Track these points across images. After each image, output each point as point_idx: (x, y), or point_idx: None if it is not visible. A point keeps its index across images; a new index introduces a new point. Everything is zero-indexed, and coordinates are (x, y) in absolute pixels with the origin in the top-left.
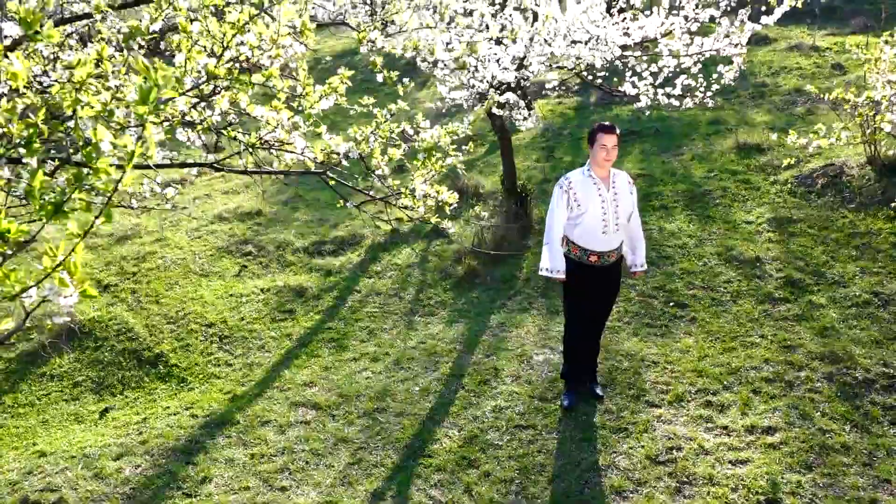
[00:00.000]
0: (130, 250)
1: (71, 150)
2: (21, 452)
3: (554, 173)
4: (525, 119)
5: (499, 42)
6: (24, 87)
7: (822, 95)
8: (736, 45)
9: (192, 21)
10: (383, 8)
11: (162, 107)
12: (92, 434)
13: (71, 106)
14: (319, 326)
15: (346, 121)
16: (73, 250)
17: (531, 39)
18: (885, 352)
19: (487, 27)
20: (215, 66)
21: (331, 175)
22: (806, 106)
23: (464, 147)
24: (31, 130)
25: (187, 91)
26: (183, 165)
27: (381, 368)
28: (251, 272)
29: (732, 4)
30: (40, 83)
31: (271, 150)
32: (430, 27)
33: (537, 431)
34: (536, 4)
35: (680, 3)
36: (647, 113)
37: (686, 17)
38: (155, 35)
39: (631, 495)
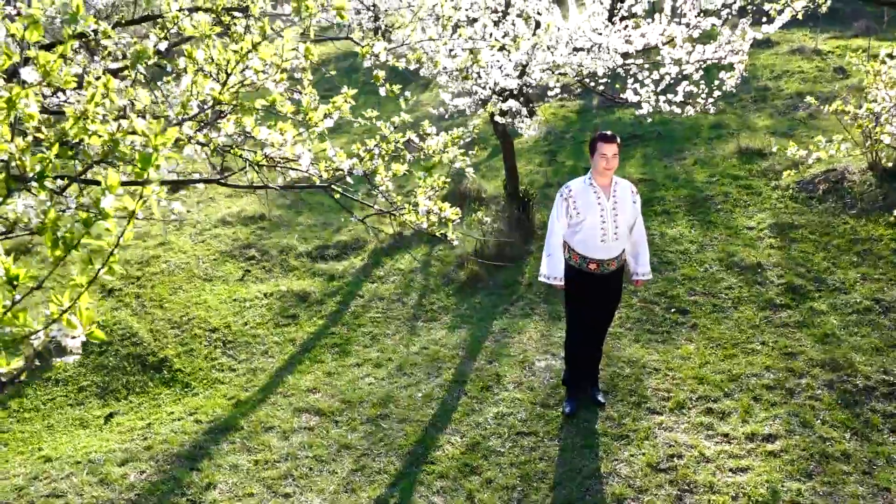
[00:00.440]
0: (134, 254)
1: (81, 167)
2: (27, 457)
3: (556, 178)
4: (528, 127)
5: (501, 48)
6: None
7: (822, 107)
8: (737, 53)
9: (196, 46)
10: (386, 14)
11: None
12: (97, 439)
13: (78, 135)
14: (323, 331)
15: (350, 123)
16: (78, 297)
17: (533, 47)
18: (886, 359)
19: (490, 34)
20: (220, 92)
21: (335, 188)
22: (808, 111)
23: (470, 152)
24: (45, 164)
25: (193, 116)
26: (189, 182)
27: (384, 374)
28: (255, 276)
29: (733, 13)
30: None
31: (277, 167)
32: (433, 39)
33: (539, 438)
34: (538, 13)
35: (681, 10)
36: (649, 120)
37: (688, 25)
38: (160, 54)
39: (632, 503)
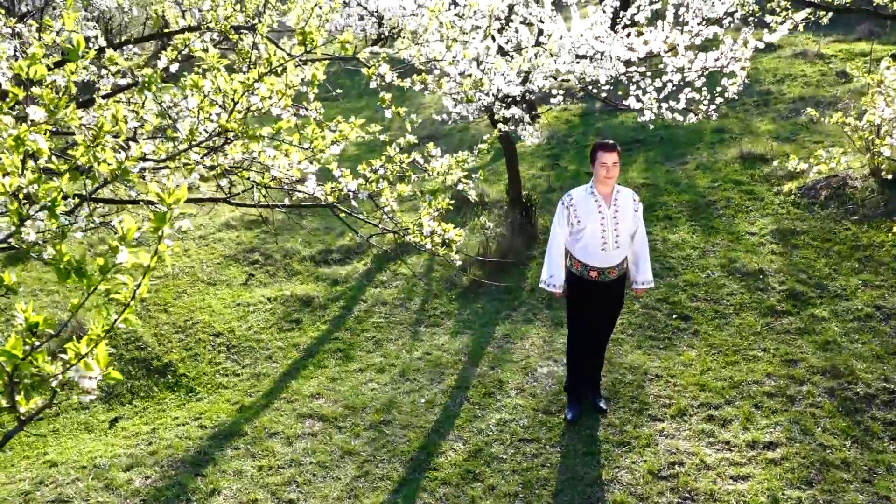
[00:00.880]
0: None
1: (90, 183)
2: (32, 462)
3: (559, 182)
4: (530, 135)
5: (504, 53)
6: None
7: (822, 118)
8: (739, 61)
9: (203, 74)
10: (390, 21)
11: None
12: (102, 444)
13: (88, 163)
14: (326, 337)
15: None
16: (96, 345)
17: (535, 55)
18: (887, 367)
19: (494, 39)
20: (227, 120)
21: (341, 208)
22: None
23: (474, 175)
24: (56, 194)
25: (200, 143)
26: (196, 200)
27: (387, 380)
28: (258, 281)
29: (735, 21)
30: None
31: (283, 188)
32: (437, 60)
33: (541, 445)
34: (541, 21)
35: (683, 18)
36: (651, 126)
37: (690, 32)
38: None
39: None
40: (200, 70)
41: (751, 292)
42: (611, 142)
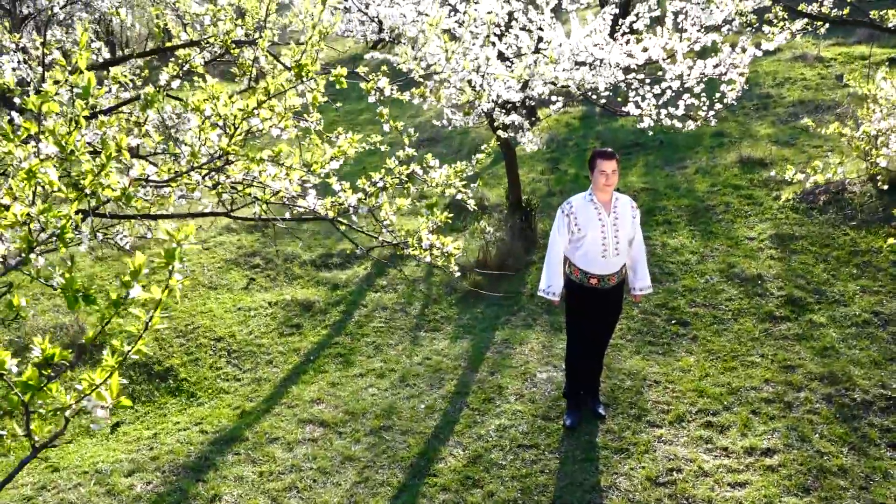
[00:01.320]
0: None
1: (92, 203)
2: (34, 466)
3: (559, 186)
4: (529, 141)
5: (504, 59)
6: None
7: (819, 129)
8: (737, 67)
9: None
10: (391, 29)
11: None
12: (104, 449)
13: (94, 189)
14: (326, 341)
15: (354, 127)
16: (109, 376)
17: (535, 62)
18: (884, 373)
19: (494, 45)
20: (228, 144)
21: (341, 221)
22: (809, 119)
23: (473, 186)
24: (64, 222)
25: (202, 165)
26: (197, 215)
27: (387, 385)
28: (259, 285)
29: (734, 28)
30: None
31: (284, 202)
32: (437, 73)
33: (540, 451)
34: (540, 28)
35: (682, 25)
36: (650, 133)
37: (689, 39)
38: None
39: None
40: (197, 86)
41: (749, 298)
42: (609, 150)
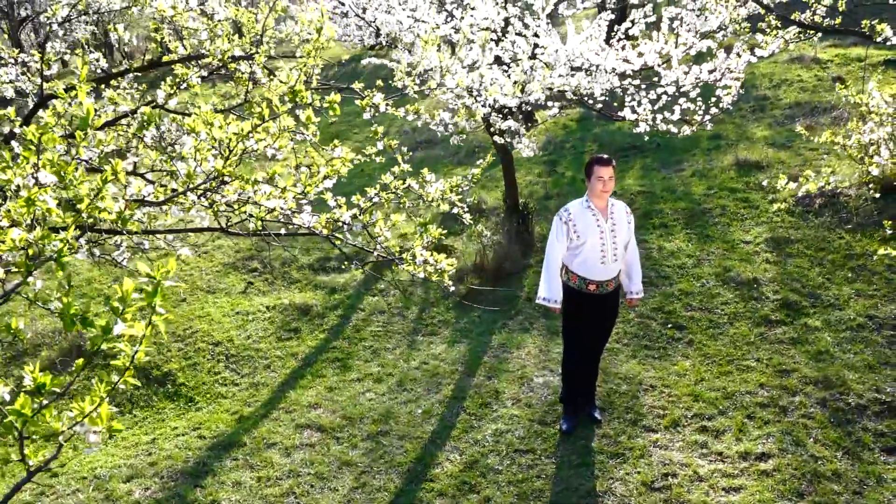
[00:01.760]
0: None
1: (90, 222)
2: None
3: (556, 189)
4: (526, 147)
5: (501, 63)
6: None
7: (812, 137)
8: (732, 72)
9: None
10: (388, 36)
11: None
12: (102, 454)
13: (91, 213)
14: (324, 346)
15: (351, 129)
16: (99, 405)
17: (532, 68)
18: (878, 377)
19: (491, 50)
20: (223, 167)
21: (337, 236)
22: (806, 122)
23: (468, 200)
24: (62, 245)
25: (197, 186)
26: (193, 230)
27: (385, 390)
28: (257, 289)
29: (729, 34)
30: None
31: (279, 220)
32: (433, 89)
33: (536, 456)
34: (535, 35)
35: (677, 31)
36: (646, 138)
37: (685, 45)
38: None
39: None
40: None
41: (745, 301)
42: (606, 156)
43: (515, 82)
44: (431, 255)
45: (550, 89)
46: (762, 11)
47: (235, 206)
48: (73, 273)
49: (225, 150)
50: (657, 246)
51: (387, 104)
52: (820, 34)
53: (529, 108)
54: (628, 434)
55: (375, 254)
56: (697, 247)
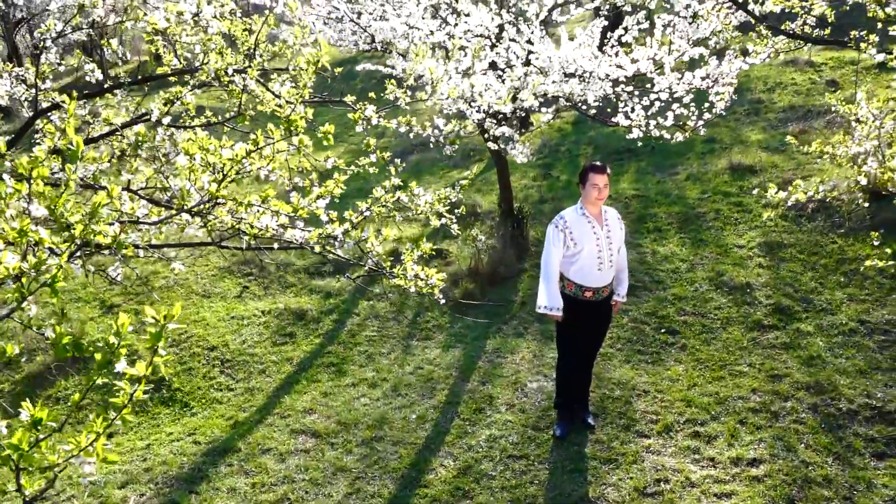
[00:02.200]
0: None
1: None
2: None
3: (550, 193)
4: (520, 153)
5: (495, 68)
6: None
7: (803, 146)
8: (725, 77)
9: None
10: (383, 42)
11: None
12: (97, 460)
13: (86, 237)
14: (319, 351)
15: (347, 132)
16: (95, 440)
17: (525, 74)
18: (869, 382)
19: (486, 56)
20: (217, 190)
21: (330, 250)
22: (800, 126)
23: (456, 210)
24: (56, 271)
25: (191, 208)
26: (187, 245)
27: (380, 395)
28: (252, 293)
29: (721, 42)
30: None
31: (273, 237)
32: (422, 100)
33: (530, 462)
34: (529, 42)
35: (670, 38)
36: (640, 143)
37: (678, 51)
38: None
39: None
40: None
41: (738, 306)
42: (601, 163)
43: (510, 88)
44: (422, 269)
45: (544, 95)
46: (752, 21)
47: (229, 224)
48: (67, 276)
49: (219, 174)
50: (651, 250)
51: (379, 116)
52: (809, 47)
53: (524, 113)
54: (621, 439)
55: (367, 268)
56: (691, 251)
